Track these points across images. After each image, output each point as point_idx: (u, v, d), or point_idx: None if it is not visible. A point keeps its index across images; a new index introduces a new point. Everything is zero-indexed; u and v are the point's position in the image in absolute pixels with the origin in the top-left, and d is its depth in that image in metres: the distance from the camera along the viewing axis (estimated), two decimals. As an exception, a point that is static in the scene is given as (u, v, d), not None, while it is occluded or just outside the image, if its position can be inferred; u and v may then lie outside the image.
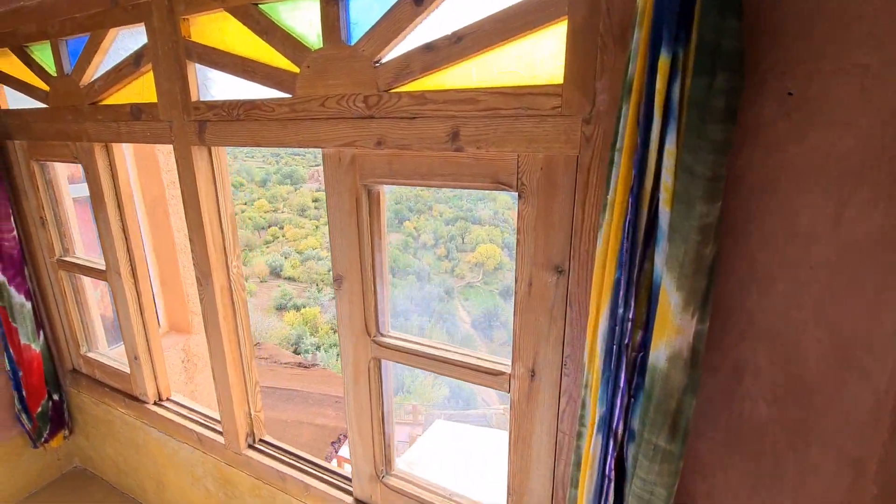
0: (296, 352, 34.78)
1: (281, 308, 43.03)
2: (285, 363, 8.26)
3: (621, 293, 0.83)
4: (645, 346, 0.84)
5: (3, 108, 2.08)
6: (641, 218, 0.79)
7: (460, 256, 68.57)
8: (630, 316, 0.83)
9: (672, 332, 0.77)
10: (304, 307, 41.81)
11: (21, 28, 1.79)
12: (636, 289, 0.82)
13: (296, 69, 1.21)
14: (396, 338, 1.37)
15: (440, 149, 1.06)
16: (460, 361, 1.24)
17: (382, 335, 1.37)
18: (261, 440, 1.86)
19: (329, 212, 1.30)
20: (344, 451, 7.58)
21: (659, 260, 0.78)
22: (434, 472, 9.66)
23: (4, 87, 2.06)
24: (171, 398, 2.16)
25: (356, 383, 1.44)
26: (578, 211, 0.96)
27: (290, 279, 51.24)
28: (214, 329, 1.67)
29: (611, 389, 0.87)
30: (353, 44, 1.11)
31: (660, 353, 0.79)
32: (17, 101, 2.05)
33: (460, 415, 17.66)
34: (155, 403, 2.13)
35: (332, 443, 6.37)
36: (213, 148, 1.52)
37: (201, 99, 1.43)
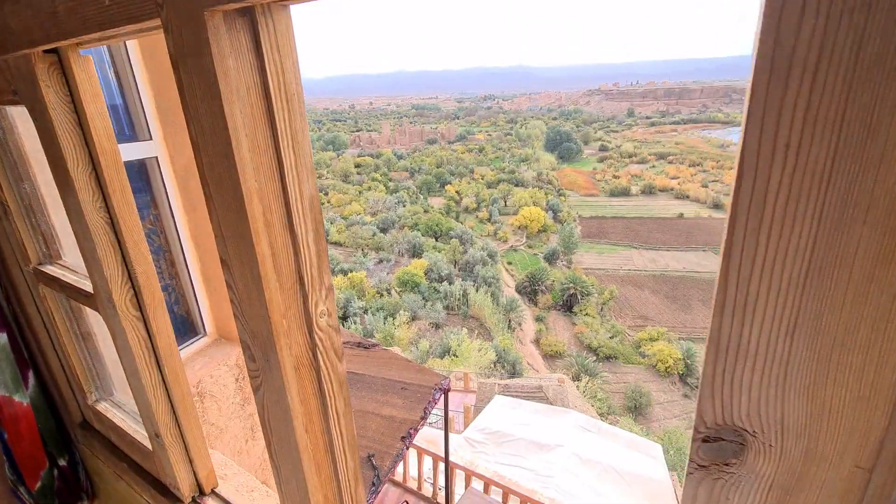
0: (344, 316, 35.43)
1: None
2: (345, 343, 7.69)
3: None
4: None
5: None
6: None
7: (503, 220, 67.38)
8: None
9: None
10: (351, 271, 42.38)
11: None
12: None
13: None
14: None
15: None
16: None
17: None
18: None
19: (731, 237, 0.32)
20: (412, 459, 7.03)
21: None
22: (498, 455, 9.06)
23: None
24: (217, 492, 1.35)
25: None
26: None
27: (336, 244, 52.03)
28: (285, 447, 0.78)
29: None
30: None
31: None
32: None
33: (515, 386, 17.04)
34: (193, 502, 1.33)
35: (402, 438, 5.75)
36: (266, 24, 0.57)
37: None
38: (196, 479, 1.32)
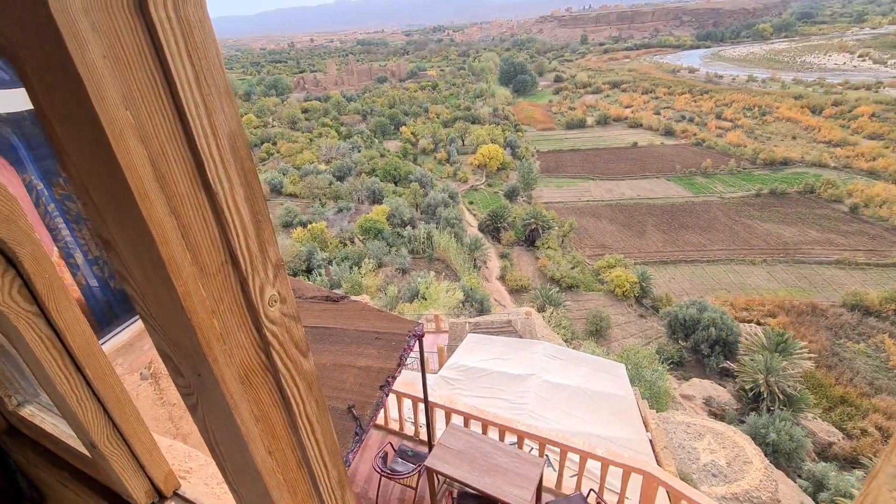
0: (308, 268, 34.84)
1: (288, 226, 42.50)
2: (312, 297, 7.45)
3: None
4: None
5: None
6: None
7: (461, 159, 66.49)
8: None
9: None
10: (311, 223, 41.14)
11: None
12: None
13: None
14: None
15: None
16: None
17: None
18: None
19: None
20: (393, 406, 7.11)
21: None
22: (474, 390, 9.43)
23: None
24: (181, 493, 1.18)
25: None
26: None
27: (292, 196, 49.91)
28: (245, 475, 0.60)
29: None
30: None
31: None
32: None
33: (485, 323, 17.58)
34: (152, 509, 1.16)
35: (381, 386, 5.77)
36: None
37: None
38: (152, 484, 1.14)
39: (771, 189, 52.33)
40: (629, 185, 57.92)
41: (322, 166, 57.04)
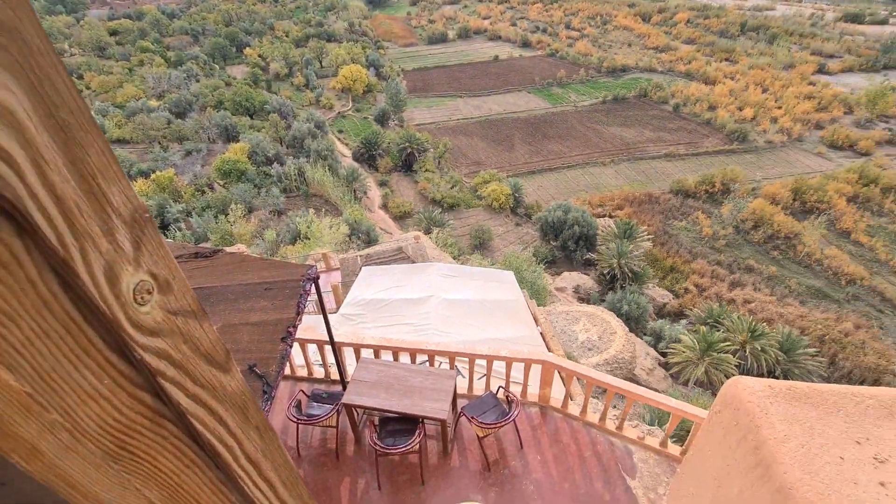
0: (163, 225, 30.30)
1: (123, 179, 35.63)
2: (178, 257, 6.42)
3: None
4: None
5: None
6: None
7: (322, 83, 60.97)
8: None
9: None
10: (154, 171, 35.06)
11: None
12: None
13: None
14: None
15: None
16: None
17: None
18: None
19: None
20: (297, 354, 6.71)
21: None
22: (378, 321, 9.47)
23: None
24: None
25: None
26: None
27: (121, 141, 41.44)
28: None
29: None
30: None
31: None
32: None
33: (376, 253, 17.43)
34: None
35: (283, 339, 5.36)
36: None
37: None
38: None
39: (614, 95, 58.14)
40: (495, 101, 59.44)
41: (153, 102, 47.87)
